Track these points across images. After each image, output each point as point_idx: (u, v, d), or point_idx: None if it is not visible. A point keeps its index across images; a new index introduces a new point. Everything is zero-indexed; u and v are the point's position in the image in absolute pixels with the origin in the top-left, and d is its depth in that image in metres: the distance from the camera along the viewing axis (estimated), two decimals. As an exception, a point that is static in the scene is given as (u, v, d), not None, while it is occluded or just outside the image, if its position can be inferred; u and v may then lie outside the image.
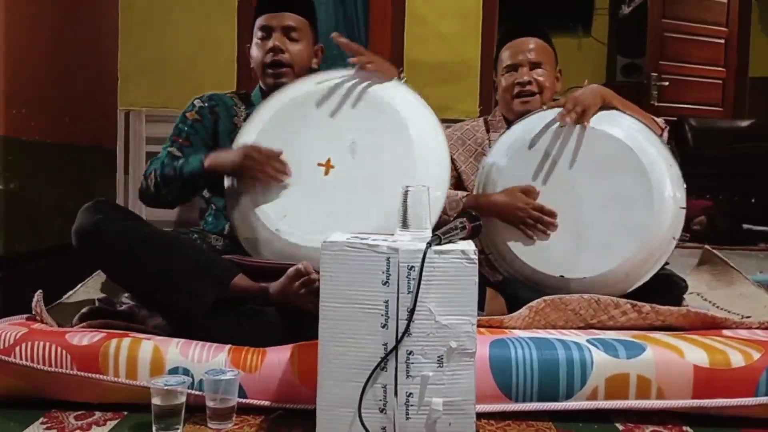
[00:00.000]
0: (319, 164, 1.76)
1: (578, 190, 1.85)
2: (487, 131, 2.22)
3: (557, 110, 1.91)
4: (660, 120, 2.00)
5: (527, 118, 2.00)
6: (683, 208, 1.82)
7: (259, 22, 2.00)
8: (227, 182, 1.86)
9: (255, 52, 2.01)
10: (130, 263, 1.60)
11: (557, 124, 1.89)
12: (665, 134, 1.93)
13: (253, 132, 1.85)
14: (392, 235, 1.29)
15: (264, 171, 1.75)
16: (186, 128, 1.96)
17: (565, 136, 1.88)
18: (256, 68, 2.02)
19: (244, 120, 1.96)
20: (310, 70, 2.01)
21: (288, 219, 1.73)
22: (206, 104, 2.01)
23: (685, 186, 1.83)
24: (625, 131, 1.86)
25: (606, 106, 1.91)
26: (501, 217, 1.89)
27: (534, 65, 2.11)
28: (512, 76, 2.11)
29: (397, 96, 1.85)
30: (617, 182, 1.82)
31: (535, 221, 1.85)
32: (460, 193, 2.01)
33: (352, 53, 1.86)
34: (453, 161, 2.10)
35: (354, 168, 1.76)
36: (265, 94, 2.00)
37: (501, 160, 1.97)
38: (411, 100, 1.86)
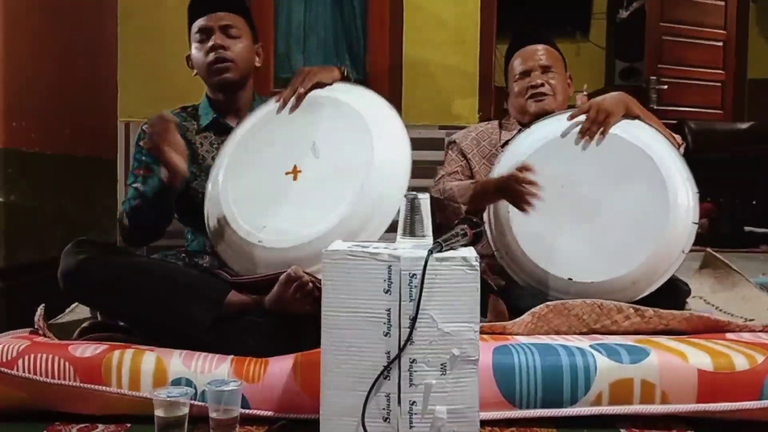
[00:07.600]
0: (287, 173, 1.79)
1: (594, 195, 1.84)
2: (501, 133, 2.22)
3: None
4: (678, 137, 2.00)
5: (547, 119, 2.00)
6: (696, 223, 1.82)
7: (196, 25, 1.95)
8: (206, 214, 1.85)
9: (196, 54, 1.95)
10: (122, 297, 1.60)
11: (578, 127, 1.89)
12: (681, 149, 1.92)
13: (224, 162, 1.87)
14: (393, 242, 1.29)
15: (163, 138, 1.66)
16: (143, 157, 1.92)
17: (586, 141, 1.88)
18: (201, 72, 1.97)
19: (196, 134, 1.97)
20: (254, 70, 2.01)
21: (268, 229, 1.73)
22: None
23: (698, 201, 1.82)
24: (646, 141, 1.85)
25: (628, 115, 1.90)
26: (498, 189, 1.89)
27: (545, 69, 2.11)
28: (525, 81, 2.12)
29: (343, 92, 1.88)
30: (634, 191, 1.81)
31: (521, 183, 1.82)
32: (469, 181, 2.02)
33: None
34: (468, 161, 2.15)
35: (320, 167, 1.78)
36: (213, 103, 1.98)
37: (517, 160, 1.96)
38: (360, 93, 1.90)
